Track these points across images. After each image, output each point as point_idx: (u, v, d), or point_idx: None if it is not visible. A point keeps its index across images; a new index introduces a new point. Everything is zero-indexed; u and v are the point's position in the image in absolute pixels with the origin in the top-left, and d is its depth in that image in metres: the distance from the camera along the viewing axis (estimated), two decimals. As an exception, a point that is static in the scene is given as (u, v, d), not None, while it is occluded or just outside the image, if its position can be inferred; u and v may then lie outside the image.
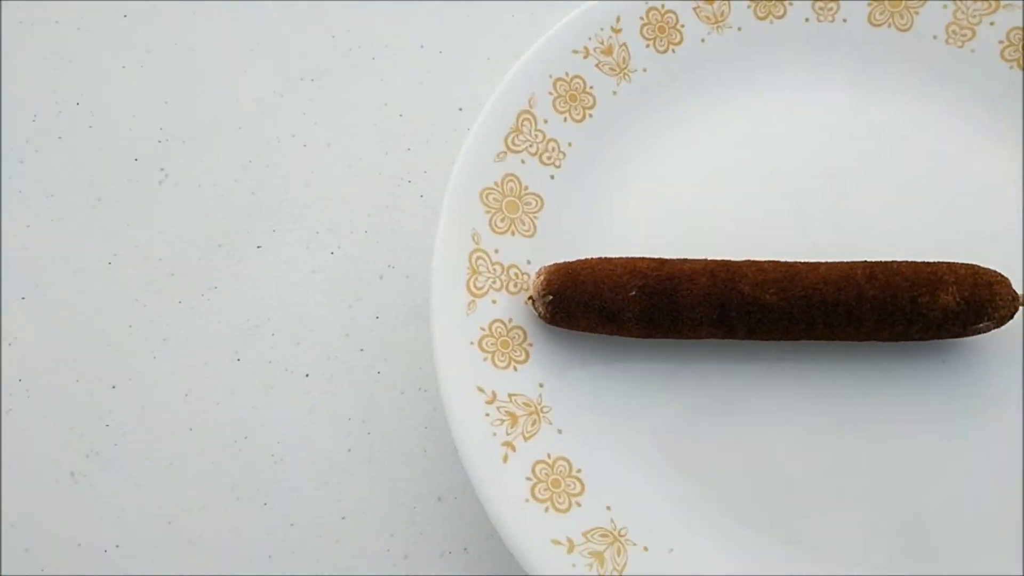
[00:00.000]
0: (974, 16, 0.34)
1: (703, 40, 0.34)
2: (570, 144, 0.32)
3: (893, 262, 0.28)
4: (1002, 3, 0.33)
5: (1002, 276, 0.28)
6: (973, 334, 0.29)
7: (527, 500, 0.26)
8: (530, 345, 0.29)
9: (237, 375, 0.30)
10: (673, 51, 0.34)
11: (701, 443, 0.28)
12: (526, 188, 0.31)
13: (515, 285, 0.30)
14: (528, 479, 0.26)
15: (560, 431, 0.28)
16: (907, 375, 0.29)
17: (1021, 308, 0.28)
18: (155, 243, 0.32)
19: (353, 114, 0.35)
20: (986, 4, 0.34)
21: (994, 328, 0.28)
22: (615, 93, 0.33)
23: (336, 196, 0.33)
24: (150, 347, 0.30)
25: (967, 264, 0.28)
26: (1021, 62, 0.33)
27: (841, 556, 0.27)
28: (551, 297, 0.28)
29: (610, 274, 0.28)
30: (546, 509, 0.26)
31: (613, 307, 0.28)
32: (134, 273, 0.32)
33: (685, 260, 0.29)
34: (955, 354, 0.30)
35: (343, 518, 0.28)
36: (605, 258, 0.29)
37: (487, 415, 0.27)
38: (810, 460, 0.28)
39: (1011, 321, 0.29)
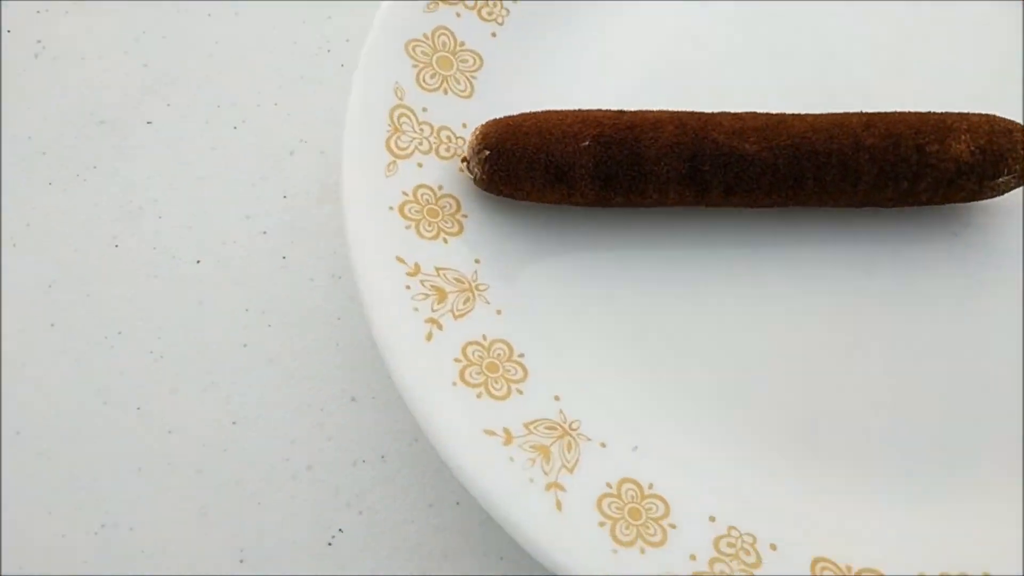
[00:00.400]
0: None
1: None
2: (510, 12, 0.28)
3: (895, 112, 0.24)
4: None
5: (1017, 124, 0.24)
6: (990, 195, 0.24)
7: (455, 384, 0.21)
8: (464, 216, 0.24)
9: (114, 263, 0.25)
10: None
11: (668, 328, 0.24)
12: (462, 44, 0.26)
13: (447, 150, 0.25)
14: (457, 360, 0.21)
15: (499, 311, 0.23)
16: (911, 248, 0.25)
17: (1045, 165, 0.24)
18: (25, 120, 0.27)
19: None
20: None
21: (1015, 186, 0.24)
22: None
23: (243, 67, 0.28)
24: (9, 234, 0.25)
25: (982, 113, 0.24)
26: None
27: (830, 450, 0.22)
28: (488, 152, 0.23)
29: (559, 123, 0.23)
30: (479, 395, 0.21)
31: (563, 161, 0.23)
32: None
33: (649, 110, 0.24)
34: (969, 225, 0.25)
35: (233, 423, 0.23)
36: (553, 110, 0.24)
37: (407, 287, 0.22)
38: (793, 345, 0.23)
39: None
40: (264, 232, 0.26)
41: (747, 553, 0.20)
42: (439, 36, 0.26)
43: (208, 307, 0.25)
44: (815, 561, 0.20)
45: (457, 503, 0.24)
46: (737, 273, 0.24)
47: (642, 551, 0.20)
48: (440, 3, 0.26)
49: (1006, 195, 0.25)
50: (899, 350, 0.24)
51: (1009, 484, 0.22)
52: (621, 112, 0.24)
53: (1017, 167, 0.23)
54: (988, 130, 0.23)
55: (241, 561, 0.22)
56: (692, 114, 0.24)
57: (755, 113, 0.24)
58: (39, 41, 0.29)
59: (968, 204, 0.25)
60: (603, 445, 0.21)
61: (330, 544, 0.23)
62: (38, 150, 0.27)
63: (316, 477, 0.22)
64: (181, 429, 0.23)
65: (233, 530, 0.22)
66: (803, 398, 0.23)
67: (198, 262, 0.25)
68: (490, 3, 0.27)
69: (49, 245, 0.25)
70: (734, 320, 0.24)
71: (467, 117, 0.25)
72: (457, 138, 0.25)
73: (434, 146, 0.25)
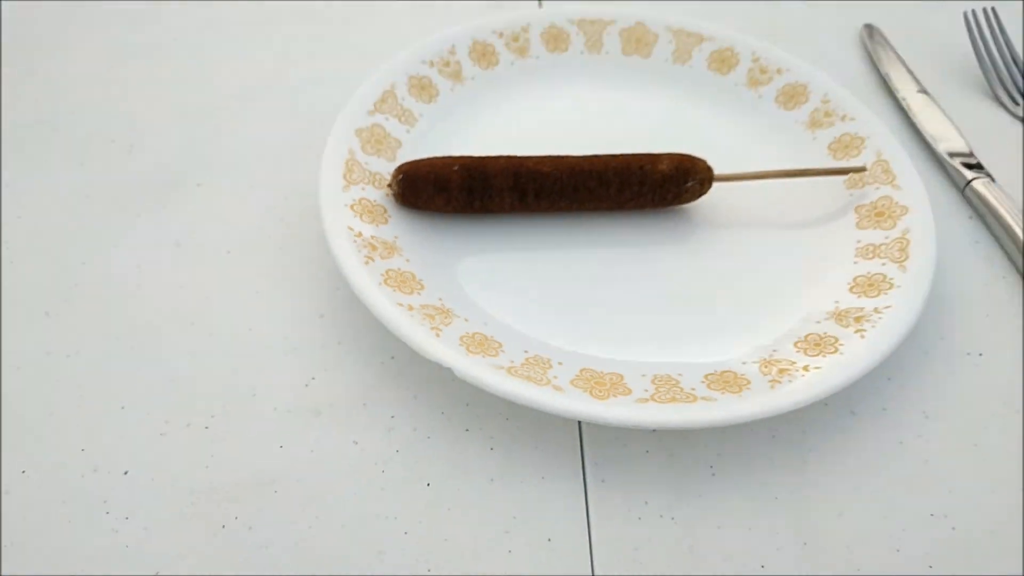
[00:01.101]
0: (688, 46, 0.51)
1: (512, 63, 0.51)
2: (421, 115, 0.47)
3: (630, 153, 0.43)
4: (705, 36, 0.51)
5: (700, 157, 0.43)
6: (688, 198, 0.43)
7: (380, 285, 0.37)
8: (388, 216, 0.42)
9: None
10: (492, 68, 0.50)
11: (510, 264, 0.41)
12: (388, 134, 0.45)
13: (378, 185, 0.43)
14: (383, 275, 0.38)
15: (407, 260, 0.40)
16: (650, 232, 0.43)
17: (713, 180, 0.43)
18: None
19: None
20: (695, 38, 0.52)
21: (699, 192, 0.42)
22: (452, 89, 0.49)
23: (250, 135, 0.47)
24: None
25: (679, 152, 0.43)
26: (719, 69, 0.51)
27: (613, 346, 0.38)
28: (401, 176, 0.41)
29: (442, 161, 0.42)
30: (394, 290, 0.37)
31: (443, 178, 0.41)
32: None
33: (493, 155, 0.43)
34: (678, 217, 0.43)
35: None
36: (438, 156, 0.43)
37: (355, 242, 0.39)
38: (591, 285, 0.40)
39: (705, 197, 0.43)
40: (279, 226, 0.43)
41: (545, 365, 0.36)
42: (375, 129, 0.45)
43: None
44: (582, 369, 0.36)
45: (392, 357, 0.38)
46: (551, 247, 0.42)
47: (483, 356, 0.35)
48: (376, 113, 0.46)
49: (700, 200, 0.43)
50: (641, 278, 0.41)
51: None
52: (478, 156, 0.42)
53: (698, 177, 0.42)
54: (679, 158, 0.42)
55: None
56: (516, 156, 0.42)
57: (554, 155, 0.43)
58: None
59: (680, 207, 0.43)
60: (466, 320, 0.37)
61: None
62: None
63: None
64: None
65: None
66: (595, 301, 0.39)
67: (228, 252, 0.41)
68: (404, 114, 0.47)
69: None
70: (545, 269, 0.41)
71: (390, 169, 0.44)
72: (383, 180, 0.43)
73: (370, 181, 0.43)
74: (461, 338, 0.36)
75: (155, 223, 0.43)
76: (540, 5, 0.59)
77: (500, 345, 0.36)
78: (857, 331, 0.37)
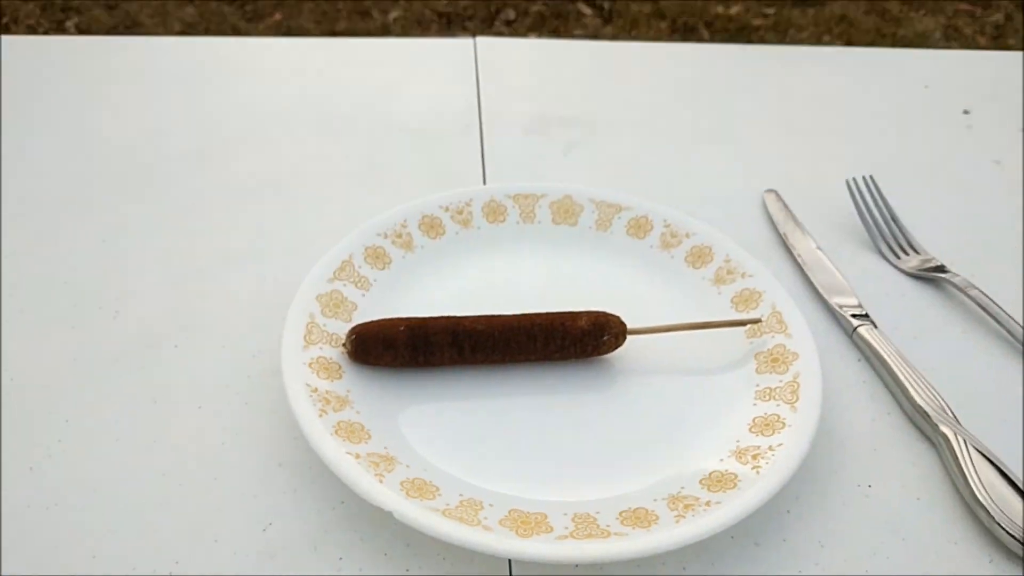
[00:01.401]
0: (609, 215, 0.59)
1: (457, 233, 0.58)
2: (375, 280, 0.54)
3: (553, 311, 0.49)
4: (623, 207, 0.59)
5: (614, 314, 0.49)
6: (605, 350, 0.49)
7: (332, 435, 0.42)
8: (343, 371, 0.47)
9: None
10: (439, 237, 0.57)
11: (442, 425, 0.46)
12: (345, 298, 0.52)
13: (334, 344, 0.48)
14: (334, 426, 0.43)
15: (358, 412, 0.45)
16: (574, 380, 0.49)
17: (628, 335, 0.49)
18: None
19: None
20: (615, 208, 0.59)
21: (614, 345, 0.49)
22: (403, 257, 0.56)
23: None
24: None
25: (597, 310, 0.50)
26: (636, 234, 0.58)
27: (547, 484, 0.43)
28: (354, 336, 0.47)
29: (390, 322, 0.48)
30: (344, 440, 0.42)
31: (390, 338, 0.47)
32: None
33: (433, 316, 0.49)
34: (598, 367, 0.49)
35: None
36: (387, 317, 0.49)
37: (311, 396, 0.44)
38: (520, 430, 0.46)
39: (622, 348, 0.49)
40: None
41: (477, 507, 0.40)
42: (334, 294, 0.51)
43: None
44: (511, 510, 0.40)
45: (342, 502, 0.43)
46: (486, 396, 0.47)
47: (421, 500, 0.40)
48: (335, 280, 0.52)
49: (616, 351, 0.49)
50: (565, 423, 0.46)
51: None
52: (422, 317, 0.48)
53: (612, 331, 0.48)
54: (596, 315, 0.49)
55: None
56: (455, 316, 0.48)
57: (488, 315, 0.49)
58: None
59: (600, 358, 0.49)
60: (407, 466, 0.42)
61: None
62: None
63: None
64: None
65: None
66: (524, 445, 0.44)
67: (200, 408, 0.46)
68: (361, 280, 0.53)
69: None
70: (479, 418, 0.46)
71: (345, 329, 0.49)
72: (339, 339, 0.49)
73: (328, 341, 0.48)
74: (402, 483, 0.41)
75: (135, 382, 0.48)
76: (484, 182, 0.67)
77: (437, 489, 0.41)
78: (754, 468, 0.42)
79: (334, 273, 0.52)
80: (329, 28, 2.72)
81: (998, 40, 2.85)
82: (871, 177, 0.64)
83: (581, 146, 0.71)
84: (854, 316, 0.54)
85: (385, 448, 0.43)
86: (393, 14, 2.82)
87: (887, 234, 0.61)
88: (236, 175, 0.66)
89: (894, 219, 0.62)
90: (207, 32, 2.68)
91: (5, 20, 2.61)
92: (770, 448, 0.43)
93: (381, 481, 0.40)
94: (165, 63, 0.81)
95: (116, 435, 0.45)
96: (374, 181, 0.66)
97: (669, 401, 0.48)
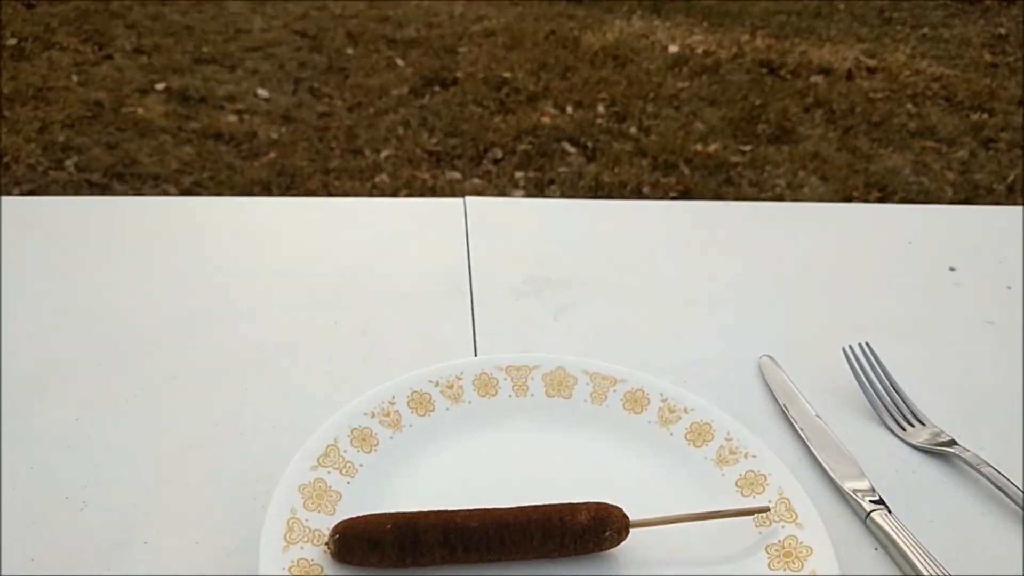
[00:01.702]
0: (604, 388, 0.58)
1: (447, 408, 0.56)
2: (361, 465, 0.51)
3: (552, 503, 0.47)
4: (618, 379, 0.58)
5: (616, 506, 0.47)
6: (607, 545, 0.46)
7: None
8: (324, 573, 0.44)
9: None
10: (429, 414, 0.55)
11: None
12: (329, 487, 0.49)
13: (316, 542, 0.45)
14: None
15: (341, 624, 0.41)
16: (574, 577, 0.45)
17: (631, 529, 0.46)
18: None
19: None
20: (610, 380, 0.58)
21: (617, 540, 0.46)
22: (391, 438, 0.53)
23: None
24: None
25: (598, 501, 0.47)
26: (633, 409, 0.56)
27: None
28: (338, 536, 0.44)
29: (376, 519, 0.45)
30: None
31: (376, 538, 0.44)
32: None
33: (423, 511, 0.46)
34: (600, 561, 0.46)
35: None
36: (374, 513, 0.46)
37: (289, 609, 0.40)
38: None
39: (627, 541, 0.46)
40: None
41: None
42: (317, 483, 0.48)
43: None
44: None
45: None
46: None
47: None
48: (319, 468, 0.49)
49: (619, 546, 0.46)
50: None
51: None
52: (411, 513, 0.45)
53: (615, 526, 0.45)
54: (596, 507, 0.46)
55: None
56: (446, 511, 0.46)
57: (481, 508, 0.46)
58: None
59: (603, 553, 0.46)
60: None
61: None
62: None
63: None
64: None
65: None
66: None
67: None
68: (346, 466, 0.50)
69: None
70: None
71: (329, 524, 0.46)
72: (322, 536, 0.46)
73: (310, 539, 0.45)
74: None
75: (97, 587, 0.45)
76: (475, 347, 0.65)
77: None
78: None
79: (318, 460, 0.50)
80: (323, 165, 2.79)
81: (965, 175, 2.97)
82: (867, 344, 0.63)
83: (571, 310, 0.71)
84: (866, 499, 0.52)
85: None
86: (384, 152, 2.91)
87: (890, 405, 0.59)
88: (220, 344, 0.64)
89: (895, 388, 0.60)
90: (203, 170, 2.75)
91: (7, 159, 2.67)
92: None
93: None
94: (151, 223, 0.81)
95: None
96: (365, 349, 0.65)
97: (676, 602, 0.45)
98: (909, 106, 3.32)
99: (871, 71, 3.50)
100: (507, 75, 3.39)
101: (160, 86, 3.17)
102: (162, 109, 3.02)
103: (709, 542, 0.48)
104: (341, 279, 0.73)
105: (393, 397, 0.55)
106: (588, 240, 0.82)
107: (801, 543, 0.46)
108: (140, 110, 2.99)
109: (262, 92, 3.21)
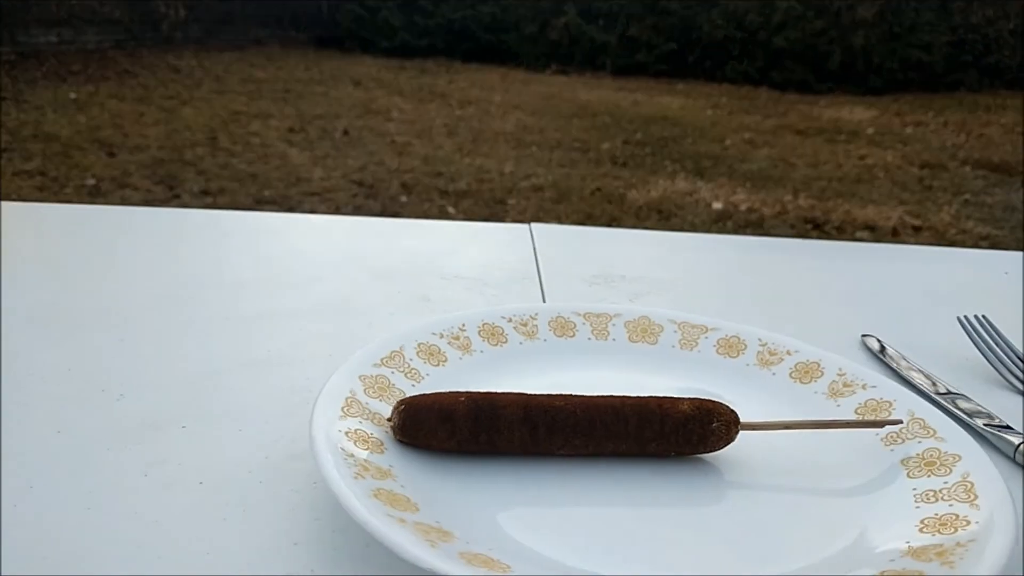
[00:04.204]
0: (694, 335, 0.52)
1: (521, 343, 0.51)
2: (427, 375, 0.45)
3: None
4: (710, 327, 0.52)
5: (723, 402, 0.40)
6: (714, 442, 0.39)
7: (370, 498, 0.32)
8: (385, 448, 0.37)
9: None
10: (501, 345, 0.50)
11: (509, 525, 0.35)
12: (392, 384, 0.43)
13: (377, 422, 0.39)
14: (373, 491, 0.33)
15: (402, 486, 0.35)
16: (674, 483, 0.38)
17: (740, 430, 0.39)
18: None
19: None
20: (700, 328, 0.52)
21: (725, 437, 0.39)
22: (460, 359, 0.48)
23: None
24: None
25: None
26: (728, 353, 0.50)
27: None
28: (403, 407, 0.38)
29: (448, 394, 0.39)
30: (386, 505, 0.32)
31: (447, 409, 0.38)
32: None
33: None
34: (706, 469, 0.39)
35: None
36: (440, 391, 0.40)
37: (346, 460, 0.34)
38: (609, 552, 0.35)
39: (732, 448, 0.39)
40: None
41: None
42: (380, 379, 0.43)
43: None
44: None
45: None
46: (566, 494, 0.37)
47: (488, 570, 0.28)
48: (383, 366, 0.44)
49: (725, 450, 0.39)
50: (671, 539, 0.35)
51: None
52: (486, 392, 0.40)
53: (723, 419, 0.39)
54: (701, 400, 0.40)
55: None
56: (526, 392, 0.40)
57: (565, 393, 0.40)
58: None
59: (705, 458, 0.39)
60: (467, 542, 0.31)
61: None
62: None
63: None
64: None
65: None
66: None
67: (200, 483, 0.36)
68: (411, 372, 0.45)
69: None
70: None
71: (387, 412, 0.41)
72: (383, 419, 0.40)
73: (370, 418, 0.39)
74: (460, 554, 0.30)
75: (133, 460, 0.39)
76: (544, 300, 0.61)
77: (508, 567, 0.30)
78: (944, 563, 0.31)
79: (382, 360, 0.44)
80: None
81: None
82: (984, 316, 0.57)
83: (648, 296, 0.66)
84: (1009, 431, 0.44)
85: (437, 522, 0.32)
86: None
87: (1018, 372, 0.53)
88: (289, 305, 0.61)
89: (1018, 355, 0.54)
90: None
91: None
92: (958, 544, 0.32)
93: (433, 547, 0.29)
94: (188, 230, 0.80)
95: (113, 512, 0.35)
96: (427, 311, 0.61)
97: (801, 508, 0.37)
98: (959, 263, 3.30)
99: (916, 229, 3.53)
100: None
101: (222, 222, 3.31)
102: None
103: (829, 457, 0.41)
104: (409, 269, 0.70)
105: (463, 324, 0.50)
106: (656, 260, 0.78)
107: (945, 453, 0.39)
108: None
109: (318, 231, 3.33)
